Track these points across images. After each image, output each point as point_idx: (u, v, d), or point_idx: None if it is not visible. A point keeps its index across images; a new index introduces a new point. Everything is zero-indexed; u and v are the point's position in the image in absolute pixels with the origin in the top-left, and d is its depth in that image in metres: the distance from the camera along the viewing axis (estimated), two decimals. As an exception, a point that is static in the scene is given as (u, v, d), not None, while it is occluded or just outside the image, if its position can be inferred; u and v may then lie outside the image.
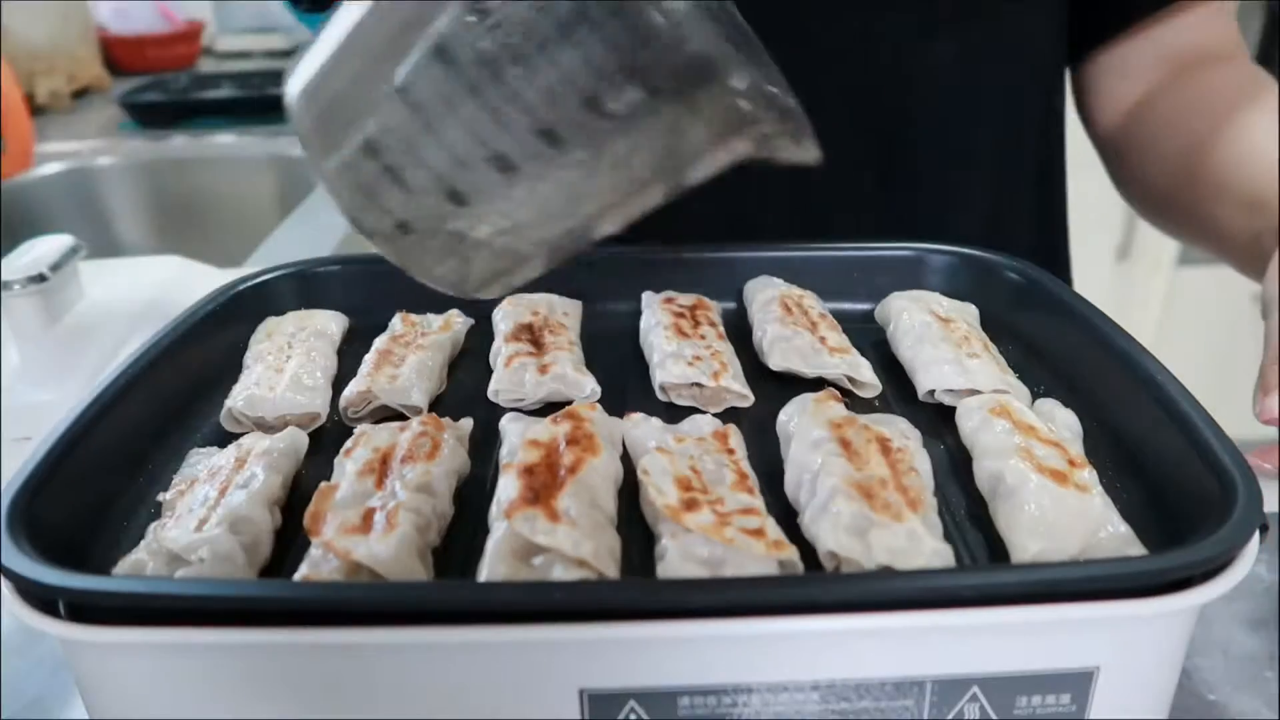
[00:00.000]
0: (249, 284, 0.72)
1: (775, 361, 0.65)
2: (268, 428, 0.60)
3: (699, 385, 0.62)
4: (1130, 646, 0.41)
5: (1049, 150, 0.90)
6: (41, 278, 0.82)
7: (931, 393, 0.62)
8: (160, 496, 0.53)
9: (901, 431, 0.56)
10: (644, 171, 0.41)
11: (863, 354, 0.66)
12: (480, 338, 0.71)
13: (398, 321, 0.70)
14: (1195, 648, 0.56)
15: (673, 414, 0.62)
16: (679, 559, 0.45)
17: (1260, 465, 0.53)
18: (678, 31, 0.37)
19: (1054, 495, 0.48)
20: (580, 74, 0.37)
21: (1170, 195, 0.81)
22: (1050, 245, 0.94)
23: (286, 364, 0.64)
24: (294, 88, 0.41)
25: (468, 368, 0.69)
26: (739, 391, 0.62)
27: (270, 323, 0.70)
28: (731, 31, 0.43)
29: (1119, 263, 2.52)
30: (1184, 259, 2.47)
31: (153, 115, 1.83)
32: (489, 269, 0.44)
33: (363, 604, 0.40)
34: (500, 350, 0.66)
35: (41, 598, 0.41)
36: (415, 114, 0.38)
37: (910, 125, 0.82)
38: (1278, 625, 0.58)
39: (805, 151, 0.43)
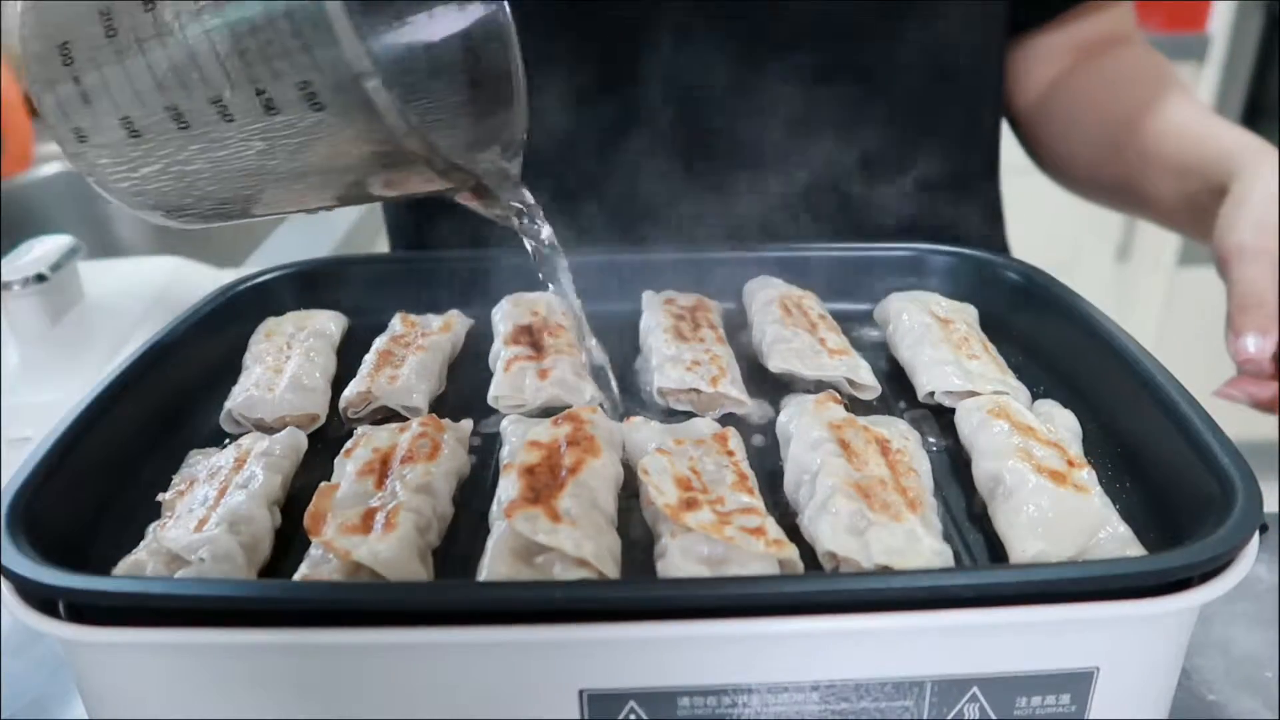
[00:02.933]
0: (249, 284, 0.72)
1: (775, 364, 0.64)
2: (267, 429, 0.60)
3: (696, 390, 0.62)
4: (1130, 646, 0.41)
5: (997, 130, 0.94)
6: (41, 278, 0.82)
7: (931, 394, 0.62)
8: (160, 497, 0.53)
9: (901, 432, 0.56)
10: (309, 172, 0.43)
11: (862, 355, 0.66)
12: (480, 338, 0.71)
13: (397, 322, 0.70)
14: (1195, 648, 0.56)
15: (672, 416, 0.62)
16: (679, 557, 0.45)
17: (1230, 395, 0.60)
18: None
19: (1053, 496, 0.48)
20: (259, 70, 0.39)
21: (1095, 166, 0.88)
22: (1000, 231, 0.99)
23: (285, 365, 0.64)
24: None
25: (467, 368, 0.69)
26: (736, 397, 0.62)
27: (270, 323, 0.70)
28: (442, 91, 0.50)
29: (1119, 263, 2.52)
30: (1184, 259, 2.47)
31: (153, 115, 1.82)
32: (161, 198, 0.46)
33: (363, 604, 0.40)
34: (500, 353, 0.66)
35: (41, 598, 0.41)
36: (110, 37, 0.40)
37: (874, 106, 0.84)
38: (1278, 625, 0.58)
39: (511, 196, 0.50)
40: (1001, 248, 0.98)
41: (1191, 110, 0.80)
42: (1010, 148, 0.97)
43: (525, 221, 0.53)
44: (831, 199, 0.86)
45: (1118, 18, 0.91)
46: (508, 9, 0.52)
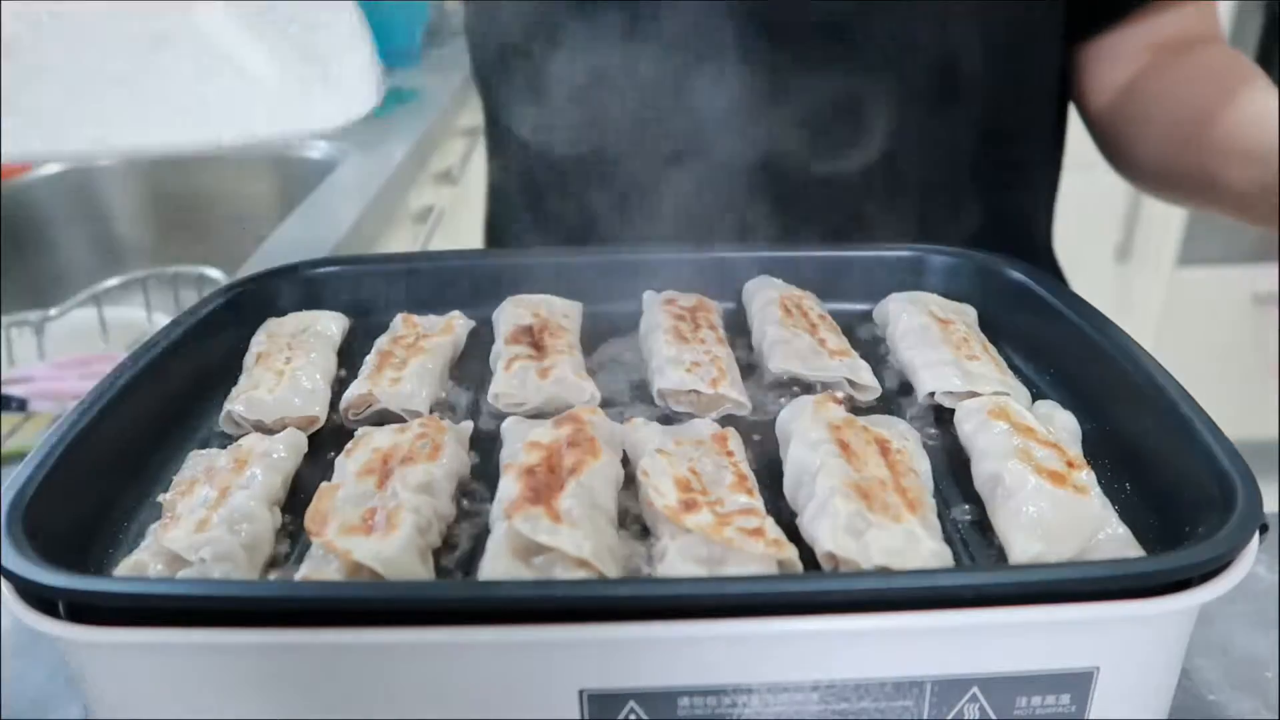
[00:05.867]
0: (249, 284, 0.72)
1: (775, 364, 0.64)
2: (267, 430, 0.60)
3: (696, 391, 0.62)
4: (1130, 647, 0.41)
5: (1062, 137, 0.95)
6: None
7: (931, 394, 0.62)
8: (160, 497, 0.53)
9: (901, 433, 0.56)
10: None
11: (861, 355, 0.66)
12: (480, 341, 0.71)
13: (399, 322, 0.70)
14: (1195, 648, 0.56)
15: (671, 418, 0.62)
16: (678, 559, 0.45)
17: None
18: None
19: (1052, 497, 0.48)
20: None
21: (1171, 162, 0.88)
22: (1051, 232, 0.99)
23: (286, 366, 0.64)
24: None
25: (468, 370, 0.69)
26: (736, 399, 0.62)
27: (271, 324, 0.70)
28: None
29: (1119, 263, 2.52)
30: (1184, 259, 2.47)
31: (153, 115, 1.82)
32: None
33: (363, 604, 0.40)
34: (500, 353, 0.66)
35: (41, 598, 0.41)
36: None
37: (956, 106, 0.85)
38: (1278, 625, 0.58)
39: None
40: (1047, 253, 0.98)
41: (1273, 100, 0.79)
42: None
43: None
44: (899, 204, 0.86)
45: (1196, 17, 0.90)
46: None
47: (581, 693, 0.40)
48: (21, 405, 0.84)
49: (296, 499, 0.54)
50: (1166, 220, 2.43)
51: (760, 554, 0.44)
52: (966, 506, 0.53)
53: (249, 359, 0.66)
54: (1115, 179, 0.98)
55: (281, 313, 0.71)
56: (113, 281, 1.12)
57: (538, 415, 0.59)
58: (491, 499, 0.50)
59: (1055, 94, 0.92)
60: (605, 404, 0.62)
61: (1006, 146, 0.89)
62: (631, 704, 0.40)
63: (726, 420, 0.61)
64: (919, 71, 0.83)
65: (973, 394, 0.59)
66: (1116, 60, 0.91)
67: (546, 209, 0.91)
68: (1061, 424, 0.56)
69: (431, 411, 0.62)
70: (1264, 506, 0.43)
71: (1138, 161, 0.93)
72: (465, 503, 0.54)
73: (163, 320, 0.72)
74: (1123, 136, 0.93)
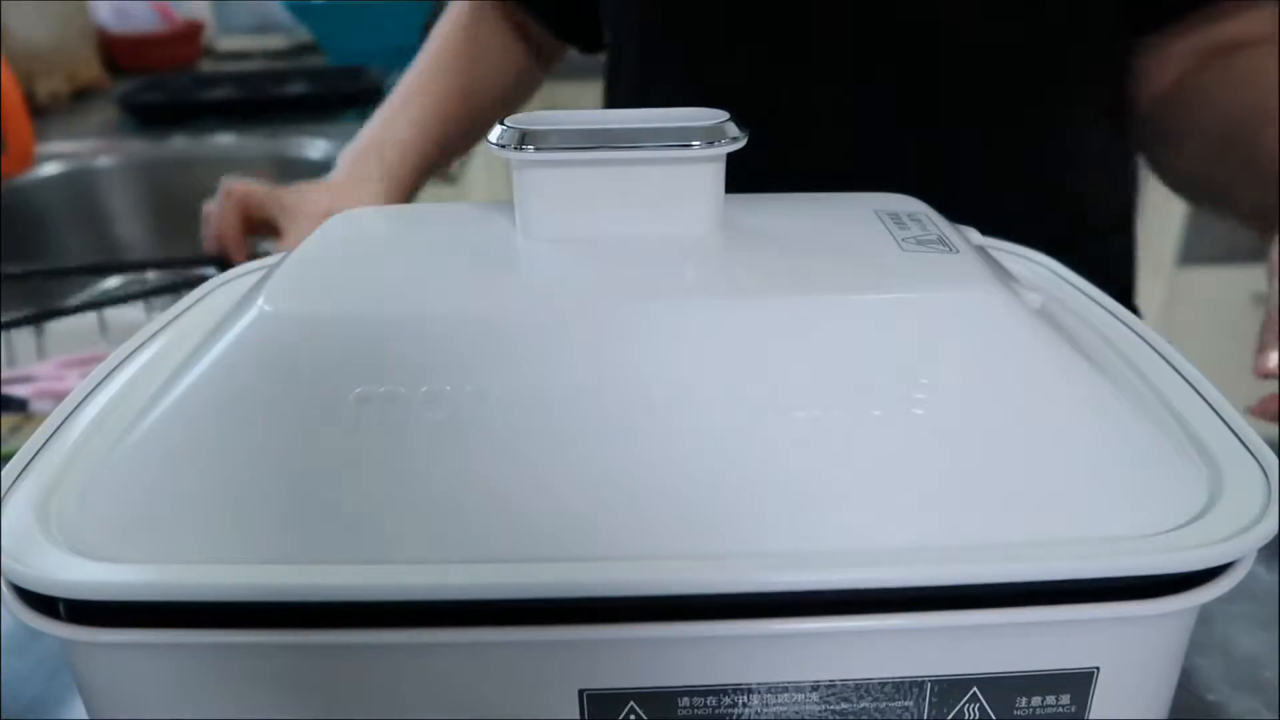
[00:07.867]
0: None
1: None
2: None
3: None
4: (1130, 647, 0.41)
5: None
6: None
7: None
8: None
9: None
10: None
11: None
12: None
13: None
14: (1195, 648, 0.56)
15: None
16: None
17: (1266, 413, 0.58)
18: None
19: (1054, 495, 0.48)
20: None
21: (1214, 169, 0.82)
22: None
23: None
24: None
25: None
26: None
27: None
28: None
29: (1119, 263, 2.52)
30: (1184, 259, 2.47)
31: (153, 115, 1.83)
32: None
33: (363, 604, 0.40)
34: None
35: (42, 598, 0.41)
36: None
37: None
38: (1278, 625, 0.58)
39: None
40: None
41: None
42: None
43: None
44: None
45: (1255, 20, 0.83)
46: None
47: (581, 693, 0.40)
48: (21, 405, 0.84)
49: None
50: (1166, 220, 2.44)
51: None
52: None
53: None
54: (1115, 178, 0.97)
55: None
56: (113, 281, 1.12)
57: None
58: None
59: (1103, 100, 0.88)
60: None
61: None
62: (631, 704, 0.40)
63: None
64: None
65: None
66: (1165, 59, 0.85)
67: None
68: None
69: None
70: (1264, 506, 0.43)
71: (1174, 170, 0.88)
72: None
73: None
74: (1163, 143, 0.88)
